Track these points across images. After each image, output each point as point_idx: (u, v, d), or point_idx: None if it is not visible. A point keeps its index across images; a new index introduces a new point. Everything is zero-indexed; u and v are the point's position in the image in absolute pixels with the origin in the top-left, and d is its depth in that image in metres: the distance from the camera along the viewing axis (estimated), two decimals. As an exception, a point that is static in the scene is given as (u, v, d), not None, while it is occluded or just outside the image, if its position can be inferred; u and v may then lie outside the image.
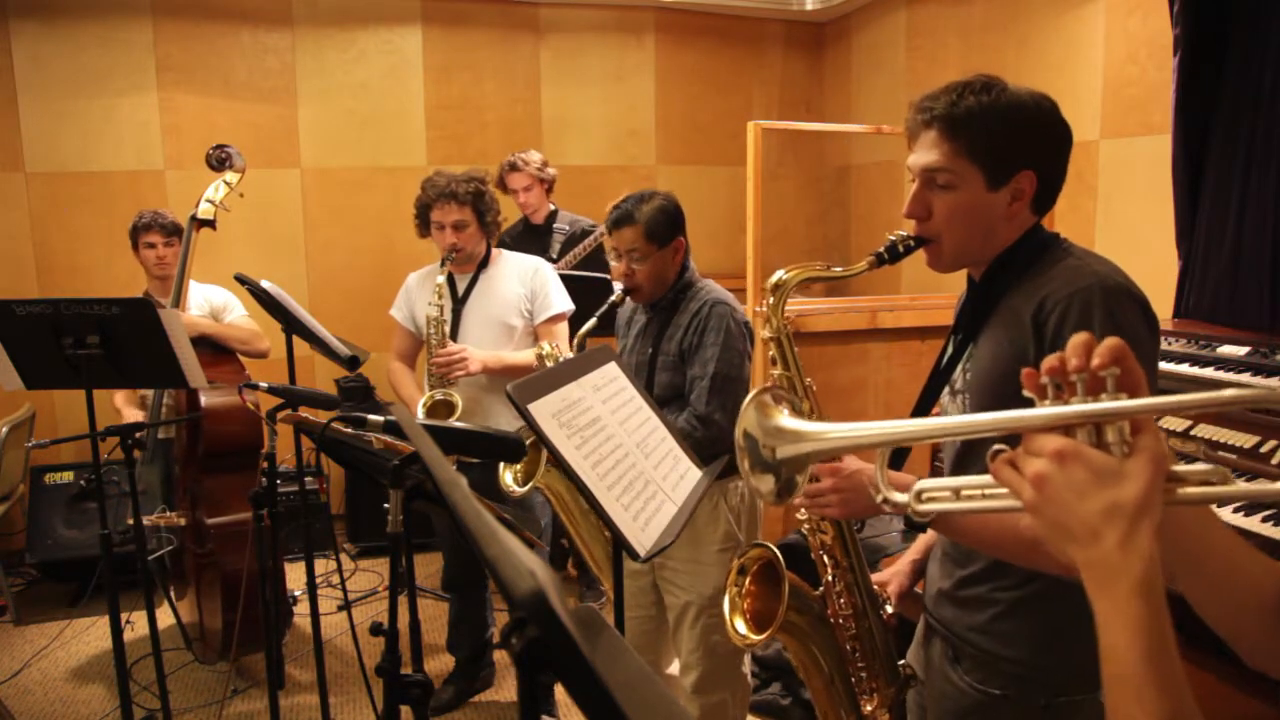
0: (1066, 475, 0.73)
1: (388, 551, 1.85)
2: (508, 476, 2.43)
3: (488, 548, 0.65)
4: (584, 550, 2.45)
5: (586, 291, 3.43)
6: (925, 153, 1.41)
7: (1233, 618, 0.87)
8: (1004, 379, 1.39)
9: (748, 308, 3.34)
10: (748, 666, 2.66)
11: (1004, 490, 0.79)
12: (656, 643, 2.69)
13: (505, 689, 3.49)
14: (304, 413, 2.19)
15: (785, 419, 0.94)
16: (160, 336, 2.57)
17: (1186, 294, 3.10)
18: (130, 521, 2.69)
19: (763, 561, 1.72)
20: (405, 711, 1.59)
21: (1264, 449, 2.13)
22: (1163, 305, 3.16)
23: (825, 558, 1.67)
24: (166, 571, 3.61)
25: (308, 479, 3.33)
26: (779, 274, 1.58)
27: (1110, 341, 0.75)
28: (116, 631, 2.61)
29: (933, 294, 4.15)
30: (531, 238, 4.12)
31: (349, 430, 1.76)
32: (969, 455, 1.49)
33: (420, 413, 2.95)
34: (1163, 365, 2.53)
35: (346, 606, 3.22)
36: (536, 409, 1.63)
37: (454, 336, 3.06)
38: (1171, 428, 2.38)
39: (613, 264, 2.53)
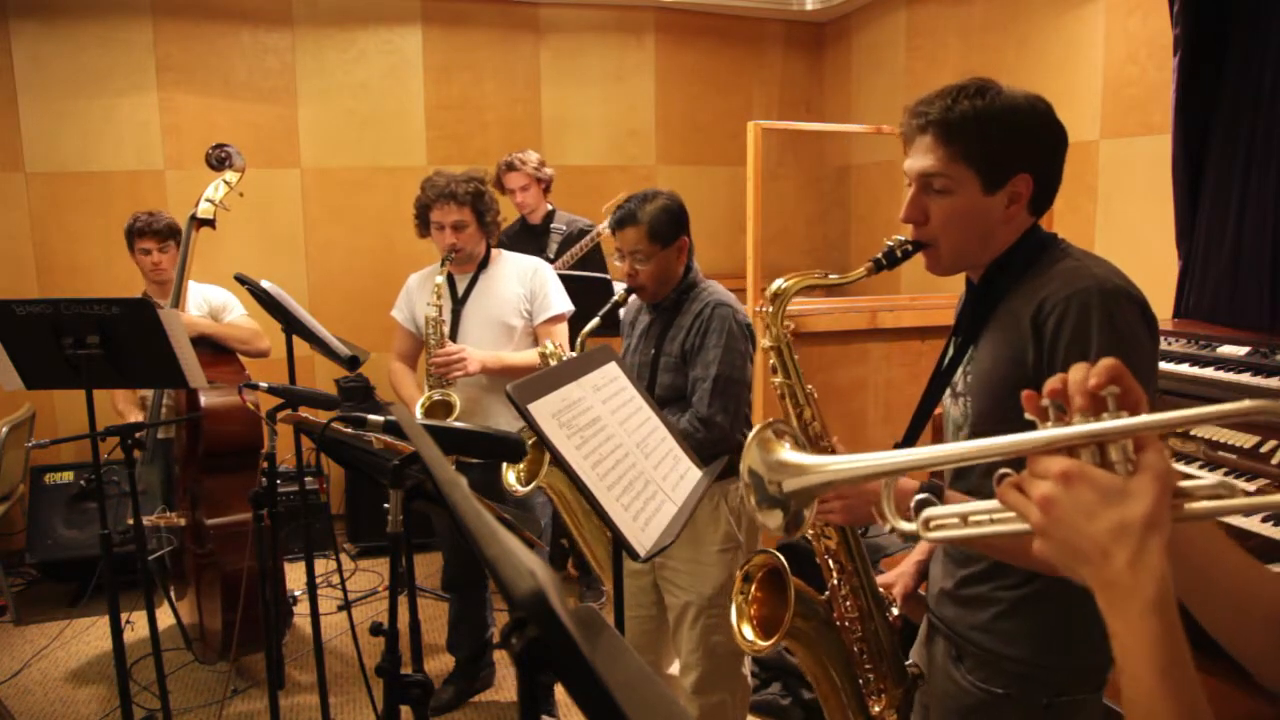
0: (1073, 496, 0.73)
1: (388, 551, 1.85)
2: (510, 476, 2.44)
3: (488, 548, 0.65)
4: (586, 550, 2.45)
5: (587, 292, 3.44)
6: (921, 158, 1.42)
7: (1243, 635, 0.86)
8: (1004, 382, 1.40)
9: (748, 308, 3.33)
10: (748, 667, 2.66)
11: (1012, 514, 0.79)
12: (657, 643, 2.69)
13: (505, 689, 3.49)
14: (304, 413, 2.19)
15: (788, 453, 0.95)
16: (160, 336, 2.56)
17: (1186, 294, 3.10)
18: (130, 521, 2.69)
19: (768, 568, 1.72)
20: (405, 711, 1.59)
21: (1264, 449, 2.13)
22: (1163, 305, 3.16)
23: (830, 562, 1.68)
24: (166, 571, 3.61)
25: (308, 479, 3.33)
26: (778, 283, 1.59)
27: (1106, 362, 0.75)
28: (116, 631, 2.61)
29: (933, 294, 4.15)
30: (529, 238, 4.12)
31: (349, 430, 1.76)
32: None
33: (418, 413, 2.95)
34: (1163, 365, 2.53)
35: (346, 606, 3.22)
36: (536, 409, 1.63)
37: (453, 337, 3.06)
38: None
39: (616, 264, 2.53)
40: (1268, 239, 2.82)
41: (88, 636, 3.95)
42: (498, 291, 3.13)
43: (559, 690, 3.24)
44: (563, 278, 3.29)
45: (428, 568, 4.40)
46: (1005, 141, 1.37)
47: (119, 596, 2.64)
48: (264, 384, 2.39)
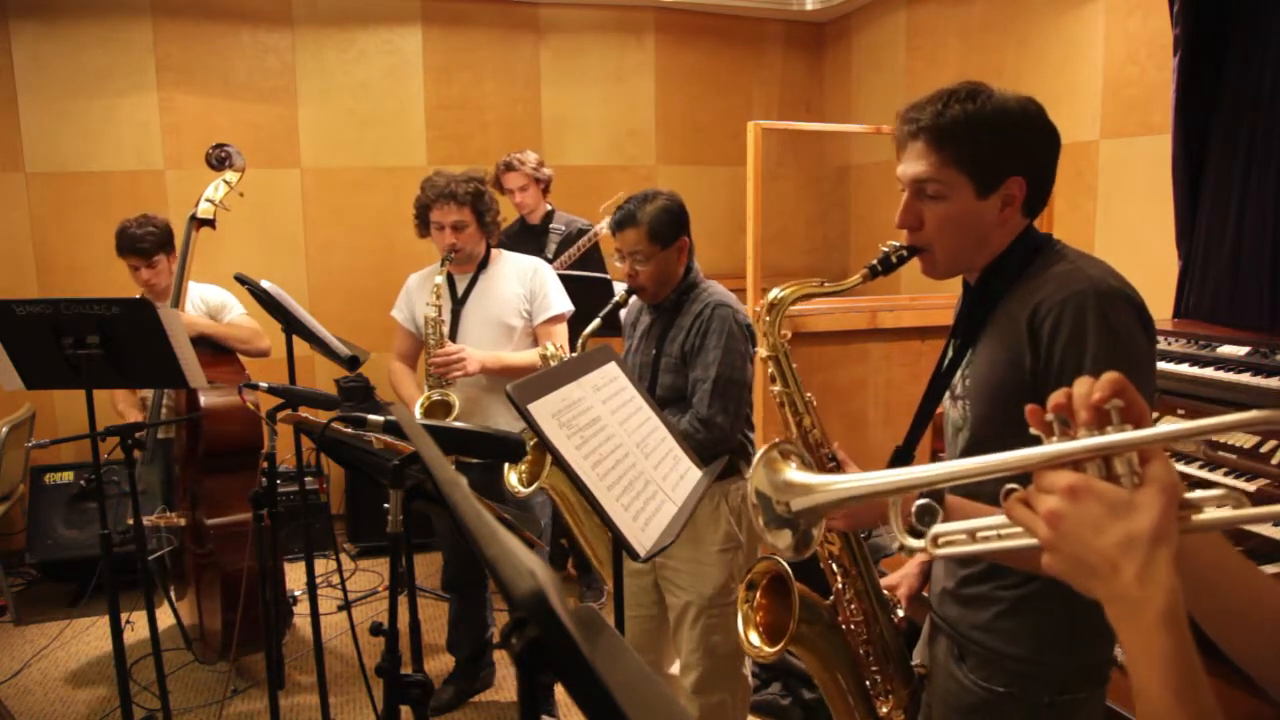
0: (1080, 510, 0.73)
1: (388, 551, 1.85)
2: (513, 477, 2.43)
3: (488, 548, 0.65)
4: (588, 548, 2.45)
5: (587, 292, 3.44)
6: (913, 163, 1.42)
7: (1249, 645, 0.86)
8: (1002, 385, 1.40)
9: (748, 308, 3.33)
10: (748, 667, 2.66)
11: (1019, 530, 0.79)
12: (658, 642, 2.69)
13: (505, 689, 3.49)
14: (304, 413, 2.19)
15: (793, 473, 0.95)
16: (160, 336, 2.57)
17: (1186, 294, 3.10)
18: (130, 521, 2.69)
19: (772, 574, 1.72)
20: (405, 711, 1.59)
21: (1264, 449, 2.13)
22: (1163, 305, 3.16)
23: (834, 566, 1.68)
24: (166, 571, 3.61)
25: (308, 479, 3.33)
26: (775, 292, 1.60)
27: (1109, 376, 0.75)
28: (116, 631, 2.61)
29: (932, 294, 4.15)
30: (527, 238, 4.12)
31: (349, 430, 1.76)
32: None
33: (417, 413, 2.95)
34: (1163, 365, 2.53)
35: (346, 606, 3.22)
36: (536, 409, 1.63)
37: (453, 337, 3.06)
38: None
39: (617, 265, 2.53)
40: (1268, 239, 2.81)
41: (88, 636, 3.95)
42: (497, 291, 3.13)
43: (559, 690, 3.24)
44: (563, 278, 3.29)
45: (428, 568, 4.40)
46: (997, 145, 1.38)
47: (119, 596, 2.64)
48: (264, 384, 2.39)
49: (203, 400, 3.25)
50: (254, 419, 3.25)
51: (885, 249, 1.48)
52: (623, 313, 2.72)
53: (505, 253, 3.25)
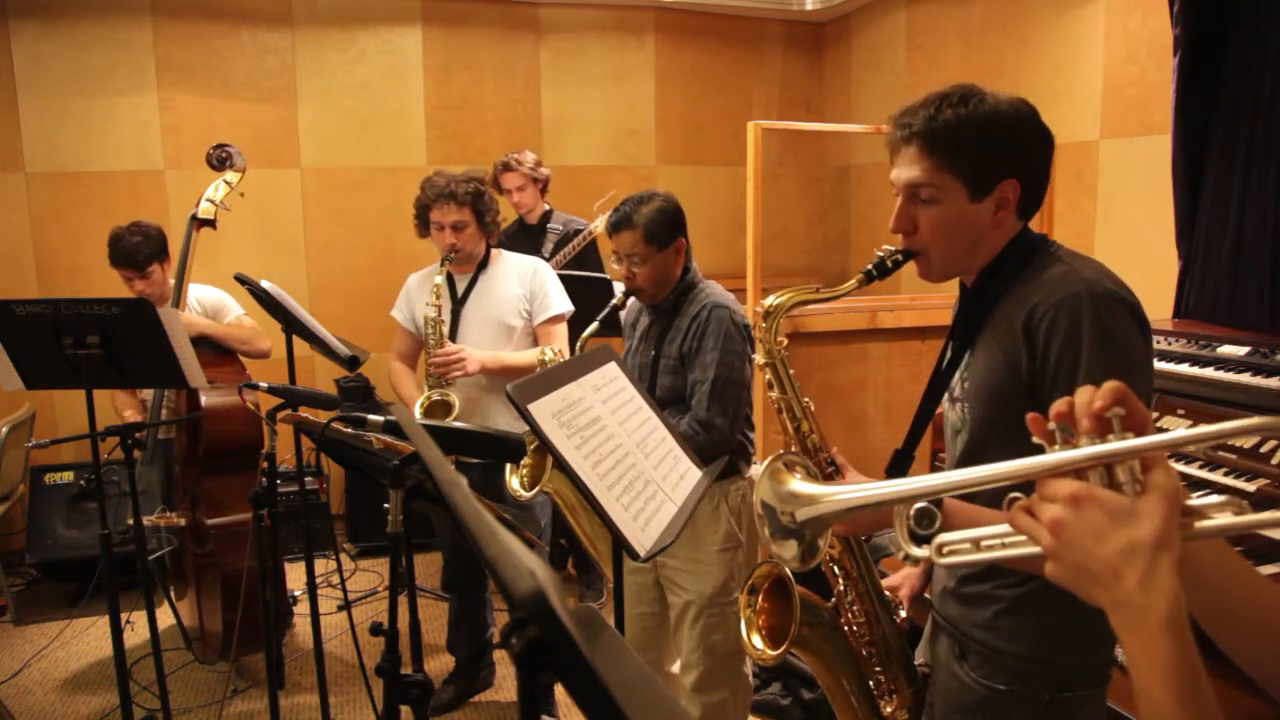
0: (1083, 518, 0.74)
1: (388, 551, 1.85)
2: (514, 481, 2.43)
3: (488, 548, 0.65)
4: (590, 548, 2.45)
5: (587, 292, 3.43)
6: (906, 168, 1.43)
7: (1256, 654, 0.86)
8: (1000, 387, 1.41)
9: (747, 308, 3.33)
10: (749, 666, 2.66)
11: (1023, 538, 0.80)
12: (659, 640, 2.69)
13: (505, 689, 3.49)
14: (304, 413, 2.19)
15: (798, 484, 0.96)
16: (160, 336, 2.57)
17: (1186, 294, 3.10)
18: (130, 521, 2.69)
19: (773, 578, 1.73)
20: (405, 711, 1.59)
21: (1264, 449, 2.13)
22: (1163, 305, 3.16)
23: (835, 569, 1.69)
24: (166, 571, 3.61)
25: (308, 479, 3.33)
26: (771, 299, 1.61)
27: (1110, 384, 0.76)
28: (116, 631, 2.61)
29: (932, 294, 4.16)
30: (526, 237, 4.13)
31: (349, 430, 1.76)
32: (971, 461, 1.49)
33: (417, 413, 2.95)
34: (1163, 365, 2.52)
35: (346, 606, 3.22)
36: (536, 409, 1.63)
37: (453, 337, 3.06)
38: (1171, 429, 2.38)
39: (614, 267, 2.52)
40: (1268, 239, 2.81)
41: (88, 636, 3.95)
42: (497, 291, 3.13)
43: (559, 690, 3.24)
44: (563, 278, 3.29)
45: (428, 568, 4.40)
46: (989, 149, 1.38)
47: (119, 596, 2.64)
48: (264, 384, 2.39)
49: (203, 400, 3.25)
50: (254, 419, 3.25)
51: (881, 253, 1.50)
52: (622, 313, 2.72)
53: (505, 253, 3.25)
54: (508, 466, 2.48)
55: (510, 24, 5.44)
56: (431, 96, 5.33)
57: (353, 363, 3.29)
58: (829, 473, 1.61)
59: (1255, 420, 0.71)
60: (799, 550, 0.96)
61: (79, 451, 4.56)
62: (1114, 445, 0.74)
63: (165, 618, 3.57)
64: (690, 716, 0.83)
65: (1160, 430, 0.76)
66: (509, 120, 5.47)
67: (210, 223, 3.46)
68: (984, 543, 0.85)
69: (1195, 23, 2.96)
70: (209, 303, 3.56)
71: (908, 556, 0.89)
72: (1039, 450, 0.80)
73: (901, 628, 1.71)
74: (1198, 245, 3.06)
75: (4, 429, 3.96)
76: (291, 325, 3.25)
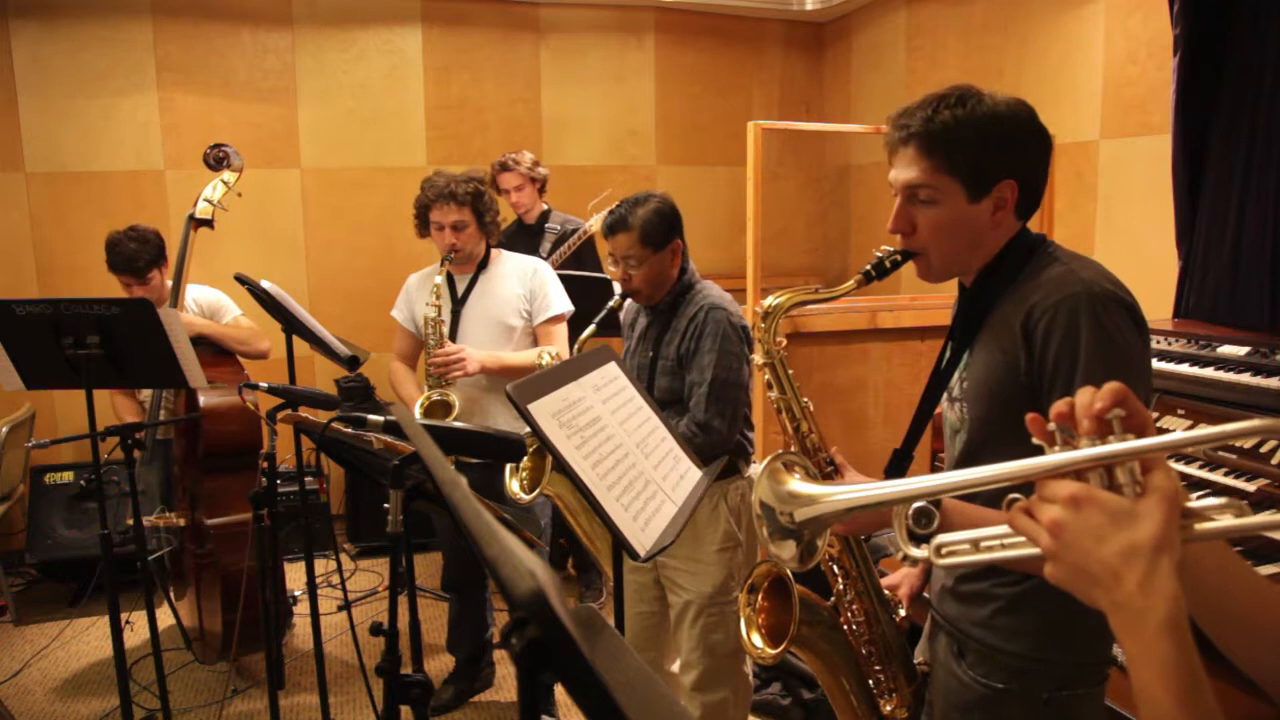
0: (1082, 520, 0.74)
1: (388, 551, 1.85)
2: (514, 485, 2.43)
3: (488, 548, 0.65)
4: (593, 550, 2.45)
5: (587, 292, 3.43)
6: (905, 169, 1.43)
7: (1254, 651, 0.86)
8: (998, 388, 1.42)
9: (747, 308, 3.33)
10: (749, 666, 2.66)
11: (1022, 539, 0.80)
12: (659, 639, 2.70)
13: (505, 689, 3.49)
14: (304, 413, 2.19)
15: (797, 484, 0.96)
16: (160, 336, 2.57)
17: (1186, 294, 3.10)
18: (129, 522, 2.69)
19: (772, 577, 1.73)
20: (405, 711, 1.59)
21: (1264, 449, 2.13)
22: (1163, 305, 3.16)
23: (834, 568, 1.69)
24: (166, 572, 3.61)
25: (308, 479, 3.33)
26: (770, 300, 1.61)
27: (1110, 385, 0.76)
28: (116, 631, 2.61)
29: (932, 294, 4.16)
30: (524, 237, 4.13)
31: (349, 430, 1.76)
32: (970, 461, 1.50)
33: (417, 413, 2.95)
34: (1163, 365, 2.53)
35: (346, 606, 3.22)
36: (536, 409, 1.63)
37: (453, 337, 3.06)
38: (1171, 428, 2.38)
39: (611, 269, 2.52)
40: (1268, 239, 2.81)
41: (88, 636, 3.95)
42: (497, 292, 3.13)
43: (559, 690, 3.24)
44: (563, 278, 3.29)
45: (428, 568, 4.40)
46: (987, 150, 1.38)
47: (119, 596, 2.64)
48: (264, 384, 2.39)
49: (202, 400, 3.25)
50: (253, 419, 3.25)
51: (879, 254, 1.50)
52: (621, 314, 2.72)
53: (505, 253, 3.25)
54: (507, 469, 2.48)
55: (510, 24, 5.44)
56: (431, 96, 5.33)
57: (353, 363, 3.29)
58: (828, 472, 1.61)
59: (1255, 422, 0.71)
60: (797, 550, 0.96)
61: (79, 451, 4.56)
62: (1114, 447, 0.74)
63: (165, 618, 3.58)
64: (690, 716, 0.83)
65: (1161, 431, 0.76)
66: (509, 120, 5.47)
67: (208, 223, 3.46)
68: (983, 544, 0.85)
69: (1195, 23, 2.96)
70: (206, 303, 3.55)
71: (906, 557, 0.89)
72: (1038, 451, 0.80)
73: (901, 626, 1.71)
74: (1198, 245, 3.06)
75: (4, 429, 3.96)
76: (291, 325, 3.25)
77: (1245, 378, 2.33)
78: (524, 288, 3.13)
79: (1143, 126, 3.68)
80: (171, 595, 3.66)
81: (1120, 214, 3.82)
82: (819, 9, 5.71)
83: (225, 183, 3.49)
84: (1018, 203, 1.43)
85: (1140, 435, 0.75)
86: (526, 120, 5.52)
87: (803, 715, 3.10)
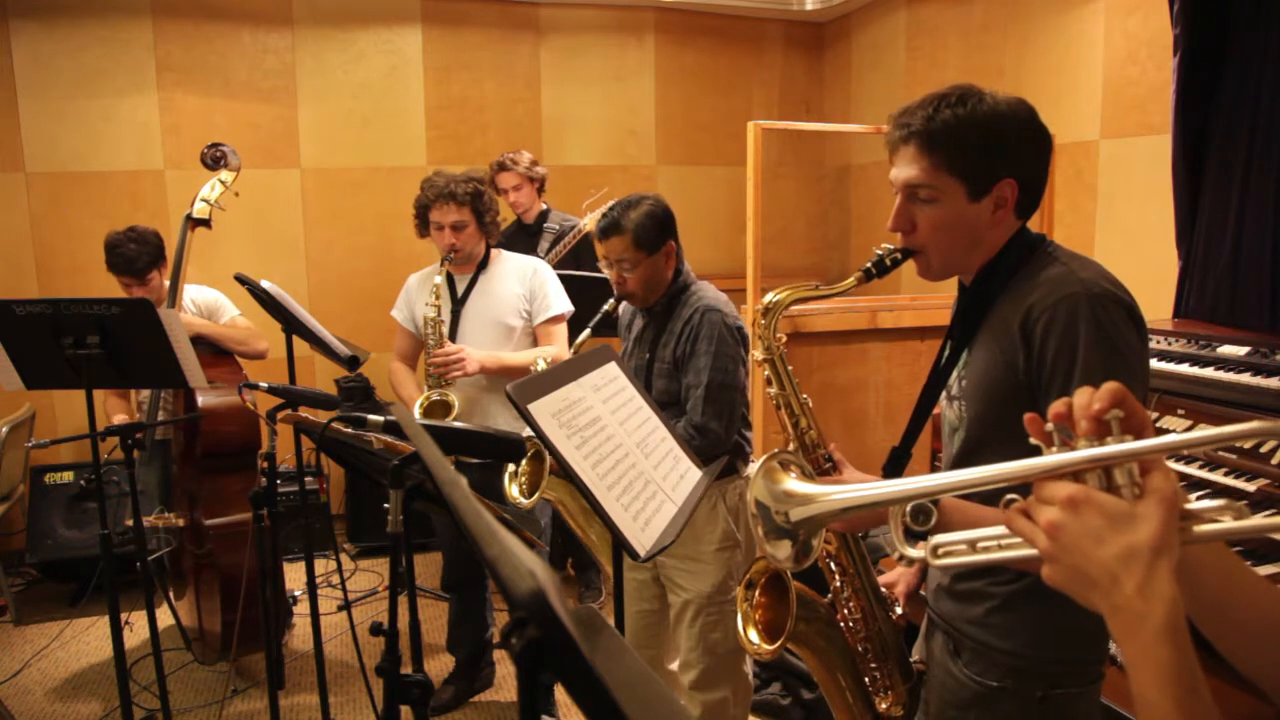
0: (1080, 522, 0.73)
1: (388, 551, 1.85)
2: (514, 489, 2.43)
3: (488, 548, 0.65)
4: (594, 550, 2.45)
5: (586, 292, 3.43)
6: (905, 168, 1.44)
7: (1258, 657, 0.86)
8: (997, 387, 1.42)
9: (747, 308, 3.33)
10: (749, 665, 2.66)
11: (1019, 540, 0.79)
12: (659, 637, 2.70)
13: (505, 689, 3.49)
14: (304, 413, 2.19)
15: (793, 483, 0.95)
16: (160, 336, 2.57)
17: (1186, 294, 3.10)
18: (129, 522, 2.69)
19: (770, 573, 1.73)
20: (405, 711, 1.59)
21: (1264, 448, 2.13)
22: (1163, 305, 3.16)
23: (831, 565, 1.69)
24: (165, 572, 3.61)
25: (308, 479, 3.33)
26: (770, 296, 1.61)
27: (1109, 386, 0.75)
28: (116, 631, 2.61)
29: (932, 294, 4.16)
30: (523, 237, 4.13)
31: (349, 430, 1.76)
32: (968, 460, 1.50)
33: (417, 413, 2.95)
34: (1163, 365, 2.53)
35: (346, 606, 3.22)
36: (536, 409, 1.63)
37: (453, 337, 3.06)
38: (1171, 428, 2.38)
39: (605, 271, 2.52)
40: (1268, 239, 2.81)
41: (88, 636, 3.95)
42: (497, 292, 3.13)
43: (559, 690, 3.24)
44: (562, 278, 3.29)
45: (428, 568, 4.40)
46: (988, 149, 1.39)
47: (119, 596, 2.64)
48: (264, 384, 2.39)
49: (200, 401, 3.25)
50: (251, 419, 3.25)
51: (880, 251, 1.51)
52: (620, 312, 2.71)
53: (505, 253, 3.25)
54: (506, 475, 2.48)
55: (510, 24, 5.44)
56: (431, 96, 5.33)
57: (353, 363, 3.29)
58: (826, 469, 1.61)
59: (1253, 425, 0.70)
60: (793, 550, 0.96)
61: (79, 451, 4.56)
62: (1112, 448, 0.74)
63: (165, 618, 3.58)
64: (690, 716, 0.83)
65: (1160, 431, 0.76)
66: (509, 120, 5.47)
67: (205, 222, 3.45)
68: (980, 544, 0.85)
69: (1195, 23, 2.96)
70: (204, 303, 3.55)
71: (903, 557, 0.89)
72: (1036, 450, 0.79)
73: (897, 625, 1.71)
74: (1198, 245, 3.06)
75: (4, 429, 3.96)
76: (291, 325, 3.25)
77: (1245, 378, 2.33)
78: (524, 288, 3.13)
79: (1143, 126, 3.68)
80: (171, 595, 3.66)
81: (1120, 214, 3.82)
82: (819, 9, 5.71)
83: (223, 182, 3.49)
84: (1018, 202, 1.43)
85: (1139, 436, 0.74)
86: (526, 120, 5.52)
87: (803, 715, 3.10)
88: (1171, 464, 0.79)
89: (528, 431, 1.67)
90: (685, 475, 1.95)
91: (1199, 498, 2.14)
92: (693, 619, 2.50)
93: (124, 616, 2.74)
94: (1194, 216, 3.08)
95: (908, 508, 0.88)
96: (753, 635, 1.72)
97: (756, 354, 1.67)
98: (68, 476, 4.40)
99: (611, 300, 2.53)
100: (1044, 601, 1.41)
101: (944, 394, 1.56)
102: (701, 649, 2.50)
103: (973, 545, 0.85)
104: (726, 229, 5.55)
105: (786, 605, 1.65)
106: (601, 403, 1.84)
